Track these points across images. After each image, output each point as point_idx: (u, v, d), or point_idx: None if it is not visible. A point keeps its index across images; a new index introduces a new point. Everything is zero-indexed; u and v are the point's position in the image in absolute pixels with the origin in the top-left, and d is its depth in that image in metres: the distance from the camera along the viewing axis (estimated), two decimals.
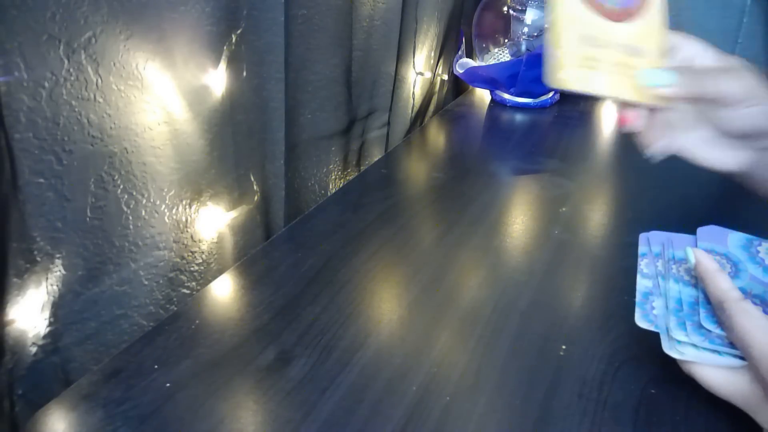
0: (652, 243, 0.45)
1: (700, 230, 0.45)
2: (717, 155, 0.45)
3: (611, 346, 0.43)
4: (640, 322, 0.38)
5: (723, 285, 0.36)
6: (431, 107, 1.03)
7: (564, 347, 0.43)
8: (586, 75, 0.43)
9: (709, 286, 0.37)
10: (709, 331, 0.36)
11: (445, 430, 0.36)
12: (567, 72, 0.42)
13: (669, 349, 0.36)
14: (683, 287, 0.40)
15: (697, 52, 0.44)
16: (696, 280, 0.40)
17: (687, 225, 0.46)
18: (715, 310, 0.36)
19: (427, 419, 0.37)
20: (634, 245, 0.46)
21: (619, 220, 0.63)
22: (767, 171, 0.44)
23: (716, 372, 0.35)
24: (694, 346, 0.36)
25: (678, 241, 0.44)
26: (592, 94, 0.43)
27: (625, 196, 0.70)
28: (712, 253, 0.42)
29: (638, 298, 0.40)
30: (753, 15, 0.96)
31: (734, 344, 0.34)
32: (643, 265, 0.43)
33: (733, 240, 0.43)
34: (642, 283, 0.41)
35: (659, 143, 0.43)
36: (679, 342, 0.36)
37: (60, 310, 0.43)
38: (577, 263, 0.54)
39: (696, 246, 0.43)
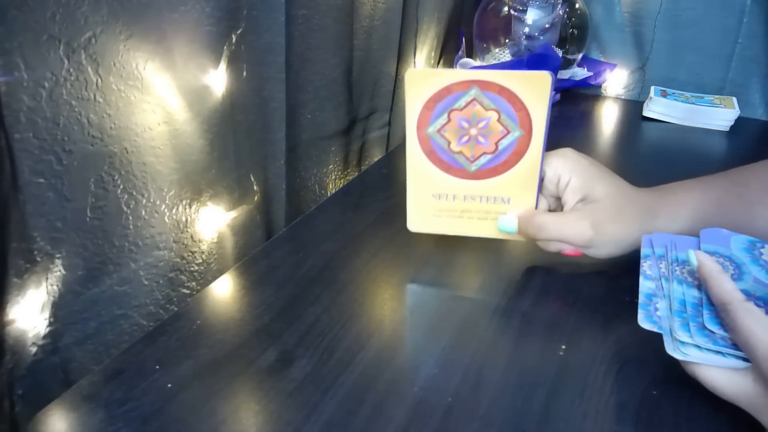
0: (655, 245, 0.45)
1: (703, 232, 0.44)
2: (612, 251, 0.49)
3: (613, 347, 0.43)
4: (643, 323, 0.38)
5: (726, 286, 0.36)
6: None
7: (565, 347, 0.43)
8: (437, 221, 0.48)
9: (712, 287, 0.36)
10: (713, 332, 0.36)
11: (447, 430, 0.36)
12: (416, 221, 0.49)
13: (672, 351, 0.36)
14: (687, 289, 0.40)
15: (567, 180, 0.47)
16: (699, 281, 0.40)
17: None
18: (719, 311, 0.36)
19: (429, 420, 0.37)
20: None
21: None
22: None
23: (720, 373, 0.35)
24: (698, 347, 0.36)
25: (681, 243, 0.44)
26: (449, 234, 0.49)
27: None
28: (716, 255, 0.42)
29: (641, 299, 0.40)
30: (753, 15, 0.96)
31: (738, 345, 0.34)
32: (646, 266, 0.43)
33: (737, 242, 0.43)
34: (645, 285, 0.41)
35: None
36: (682, 343, 0.36)
37: (60, 310, 0.43)
38: (579, 264, 0.54)
39: (699, 248, 0.43)
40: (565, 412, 0.38)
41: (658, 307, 0.39)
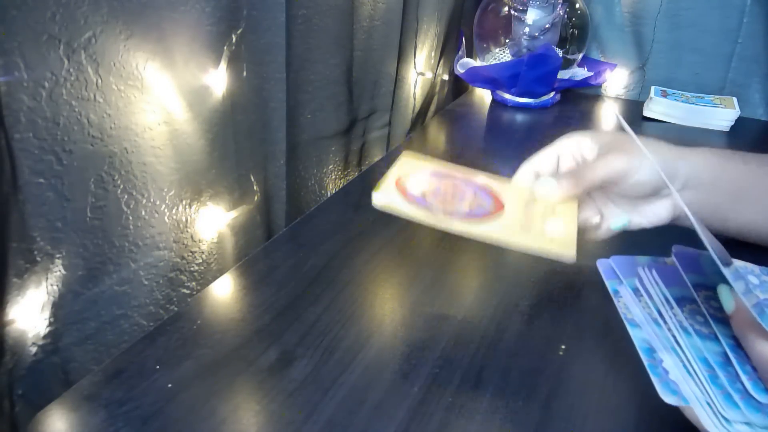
0: (621, 274, 0.37)
1: (679, 257, 0.36)
2: (648, 216, 0.47)
3: (612, 346, 0.43)
4: (666, 396, 0.31)
5: None
6: (432, 107, 1.03)
7: (565, 347, 0.43)
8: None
9: (752, 347, 0.30)
10: (760, 402, 0.30)
11: (447, 430, 0.36)
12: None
13: (717, 429, 0.29)
14: (701, 341, 0.32)
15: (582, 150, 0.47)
16: (710, 327, 0.33)
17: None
18: (761, 373, 0.30)
19: (429, 420, 0.37)
20: (635, 246, 0.46)
21: None
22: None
23: None
24: (748, 424, 0.29)
25: (664, 274, 0.36)
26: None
27: None
28: (704, 287, 0.34)
29: (644, 358, 0.33)
30: (753, 15, 0.96)
31: None
32: (623, 308, 0.36)
33: (706, 264, 0.35)
34: (636, 336, 0.35)
35: (605, 226, 0.46)
36: (727, 420, 0.30)
37: (60, 310, 0.43)
38: (579, 264, 0.54)
39: (683, 275, 0.35)
40: (566, 412, 0.38)
41: (666, 367, 0.32)
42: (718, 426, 0.30)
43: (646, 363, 0.33)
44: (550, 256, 0.36)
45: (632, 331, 0.35)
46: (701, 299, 0.34)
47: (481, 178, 0.44)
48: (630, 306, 0.36)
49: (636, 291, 0.36)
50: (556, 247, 0.36)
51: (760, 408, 0.29)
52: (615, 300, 0.37)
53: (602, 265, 0.39)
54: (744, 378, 0.30)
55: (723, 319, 0.33)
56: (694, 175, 0.46)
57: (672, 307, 0.34)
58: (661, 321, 0.34)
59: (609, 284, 0.38)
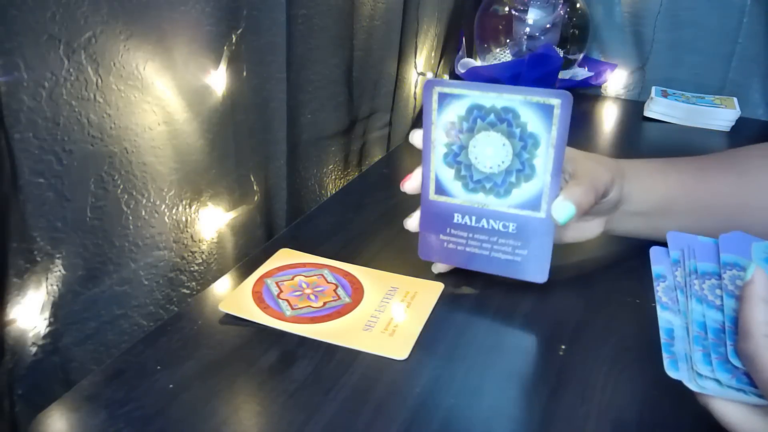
0: (672, 246, 0.38)
1: (722, 237, 0.37)
2: (585, 232, 0.51)
3: (614, 347, 0.43)
4: (670, 371, 0.33)
5: (757, 316, 0.31)
6: None
7: (566, 348, 0.43)
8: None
9: (743, 310, 0.32)
10: (736, 367, 0.32)
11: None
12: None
13: (688, 381, 0.32)
14: (707, 310, 0.34)
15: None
16: (722, 300, 0.34)
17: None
18: (739, 338, 0.32)
19: (430, 421, 0.37)
20: (635, 245, 0.46)
21: None
22: (619, 226, 0.51)
23: (737, 409, 0.32)
24: (718, 382, 0.32)
25: (701, 250, 0.37)
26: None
27: None
28: (736, 267, 0.35)
29: (663, 338, 0.34)
30: (753, 15, 0.96)
31: (755, 382, 0.30)
32: (660, 292, 0.36)
33: (758, 250, 0.36)
34: (663, 318, 0.35)
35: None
36: (700, 375, 0.32)
37: (60, 310, 0.43)
38: (579, 264, 0.54)
39: (718, 254, 0.36)
40: (567, 412, 0.38)
41: (676, 335, 0.34)
42: (691, 378, 0.32)
43: (662, 341, 0.34)
44: (384, 355, 0.42)
45: (660, 313, 0.36)
46: (727, 276, 0.35)
47: (352, 269, 0.51)
48: (667, 290, 0.37)
49: (676, 262, 0.38)
50: (389, 352, 0.42)
51: (733, 371, 0.32)
52: (655, 285, 0.37)
53: (656, 251, 0.39)
54: (728, 344, 0.32)
55: (738, 297, 0.34)
56: (627, 191, 0.49)
57: (697, 278, 0.36)
58: (685, 289, 0.36)
59: (654, 269, 0.38)
